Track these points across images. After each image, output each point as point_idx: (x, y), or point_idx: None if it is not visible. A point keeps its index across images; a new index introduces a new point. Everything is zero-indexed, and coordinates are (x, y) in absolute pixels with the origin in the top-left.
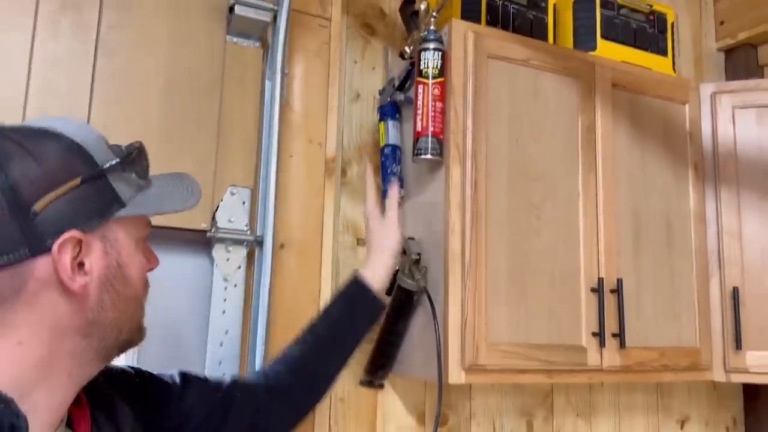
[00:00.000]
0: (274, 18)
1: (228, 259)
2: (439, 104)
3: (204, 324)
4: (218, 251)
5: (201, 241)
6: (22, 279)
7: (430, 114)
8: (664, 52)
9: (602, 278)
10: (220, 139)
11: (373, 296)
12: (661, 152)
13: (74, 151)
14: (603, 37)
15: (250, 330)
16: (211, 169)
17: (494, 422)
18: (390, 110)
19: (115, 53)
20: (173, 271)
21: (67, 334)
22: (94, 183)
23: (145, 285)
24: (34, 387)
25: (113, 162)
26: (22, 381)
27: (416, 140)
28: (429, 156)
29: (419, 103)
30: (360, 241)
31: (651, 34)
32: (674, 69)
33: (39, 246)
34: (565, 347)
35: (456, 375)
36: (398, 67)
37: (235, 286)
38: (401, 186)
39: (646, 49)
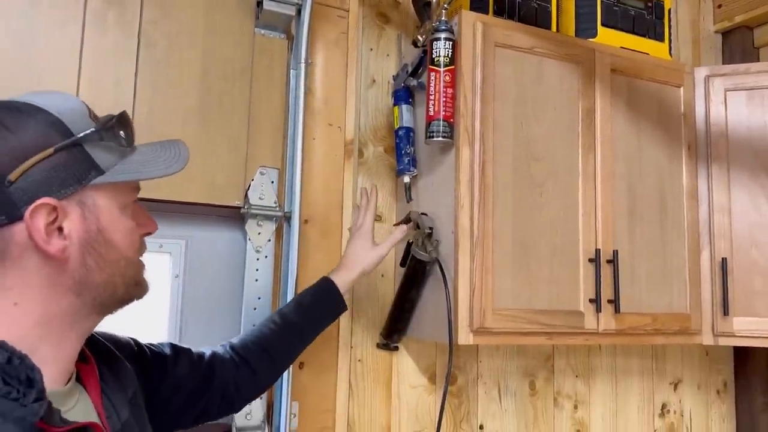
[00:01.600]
0: (298, 11)
1: (259, 233)
2: (449, 90)
3: (239, 291)
4: (250, 226)
5: (235, 217)
6: (4, 243)
7: (442, 99)
8: (661, 38)
9: (599, 249)
10: (251, 123)
11: (340, 298)
12: (656, 133)
13: (51, 123)
14: (603, 24)
15: (280, 296)
16: (243, 151)
17: (499, 382)
18: (404, 95)
19: (156, 45)
20: (211, 243)
21: (59, 294)
22: (69, 151)
23: (137, 246)
24: (40, 343)
25: (88, 131)
26: (27, 338)
27: (428, 124)
28: (440, 138)
29: (431, 89)
30: (377, 218)
31: (649, 20)
32: (671, 54)
33: (14, 213)
34: (565, 312)
35: (465, 337)
36: (411, 54)
37: (266, 257)
38: (414, 166)
39: (643, 35)
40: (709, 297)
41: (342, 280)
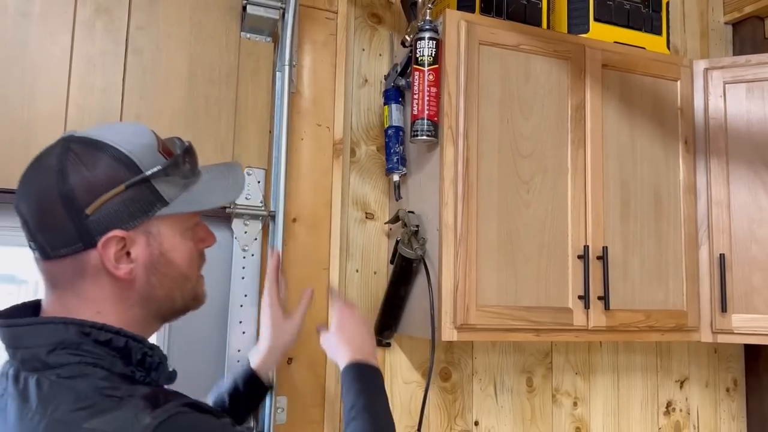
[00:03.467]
0: (283, 15)
1: (246, 232)
2: (433, 89)
3: (226, 289)
4: (237, 225)
5: (222, 216)
6: (82, 265)
7: (426, 98)
8: (658, 32)
9: (587, 246)
10: (237, 125)
11: (266, 388)
12: (650, 128)
13: (122, 160)
14: (596, 19)
15: None
16: (229, 152)
17: (495, 378)
18: (393, 94)
19: (143, 51)
20: None
21: (128, 306)
22: (137, 187)
23: (196, 263)
24: None
25: (155, 170)
26: None
27: (413, 123)
28: (424, 137)
29: (416, 88)
30: (368, 215)
31: (645, 14)
32: (669, 47)
33: (90, 241)
34: (552, 309)
35: (448, 333)
36: (401, 54)
37: (252, 255)
38: (403, 165)
39: (639, 29)
40: (708, 293)
41: (265, 363)
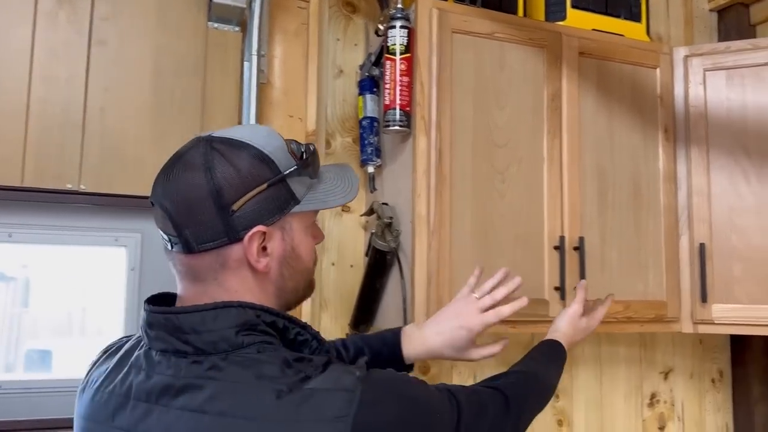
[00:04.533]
0: (251, 3)
1: None
2: (405, 78)
3: None
4: None
5: None
6: (224, 258)
7: (398, 88)
8: (637, 18)
9: (563, 237)
10: (205, 116)
11: (400, 359)
12: (629, 116)
13: (262, 159)
14: (573, 6)
15: None
16: None
17: (475, 372)
18: (368, 84)
19: (107, 43)
20: None
21: (265, 297)
22: (276, 186)
23: (314, 258)
24: None
25: (292, 168)
26: None
27: (385, 113)
28: (396, 127)
29: (387, 77)
30: (344, 208)
31: (624, 1)
32: (648, 34)
33: (235, 236)
34: (529, 300)
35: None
36: (377, 43)
37: None
38: (377, 156)
39: (618, 16)
40: (689, 284)
41: (408, 353)
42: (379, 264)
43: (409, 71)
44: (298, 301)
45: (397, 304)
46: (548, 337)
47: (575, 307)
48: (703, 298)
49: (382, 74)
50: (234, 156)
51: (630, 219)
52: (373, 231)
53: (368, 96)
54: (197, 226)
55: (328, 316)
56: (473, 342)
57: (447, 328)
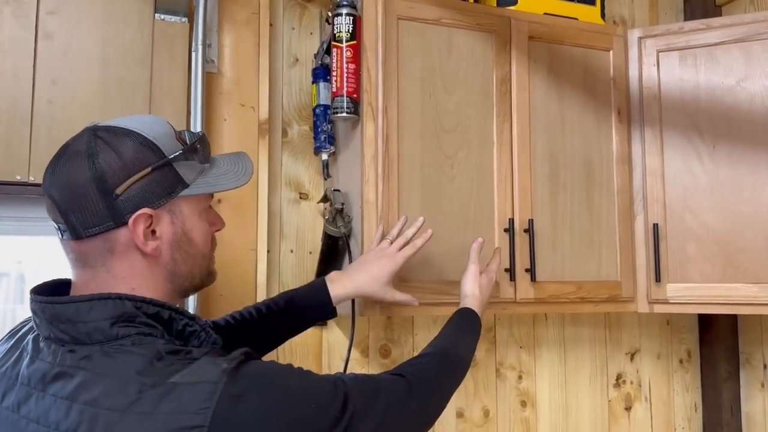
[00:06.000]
0: None
1: None
2: (352, 66)
3: None
4: None
5: None
6: (112, 243)
7: (344, 75)
8: (591, 1)
9: (512, 219)
10: (153, 108)
11: (328, 302)
12: (581, 99)
13: (146, 144)
14: None
15: None
16: None
17: None
18: (321, 72)
19: (54, 36)
20: None
21: (158, 281)
22: (162, 170)
23: (211, 243)
24: None
25: (178, 153)
26: None
27: (333, 100)
28: (344, 114)
29: (334, 65)
30: (302, 195)
31: None
32: (603, 17)
33: (120, 220)
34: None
35: (371, 309)
36: (329, 31)
37: None
38: (330, 143)
39: (571, 0)
40: (645, 264)
41: (336, 292)
42: (331, 249)
43: (356, 58)
44: (196, 287)
45: None
46: (460, 305)
47: (472, 267)
48: (657, 278)
49: (330, 61)
50: (117, 142)
51: (583, 201)
52: (326, 217)
53: (321, 84)
54: (82, 211)
55: None
56: (393, 279)
57: (371, 265)
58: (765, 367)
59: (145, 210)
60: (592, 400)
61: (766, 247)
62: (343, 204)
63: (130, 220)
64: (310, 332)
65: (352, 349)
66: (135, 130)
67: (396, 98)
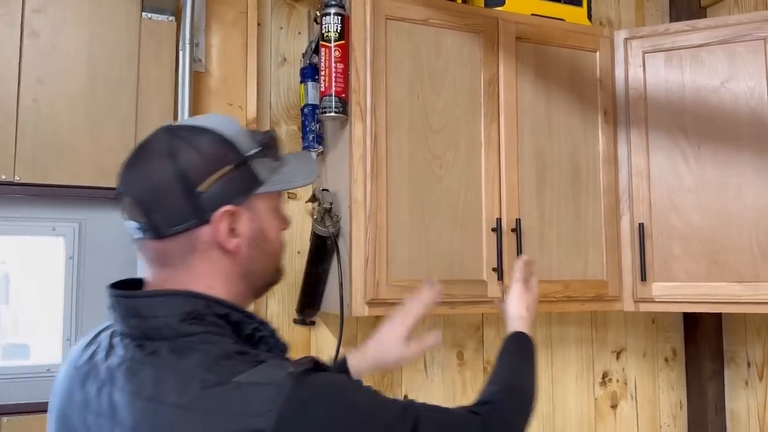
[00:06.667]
0: None
1: None
2: (340, 65)
3: (134, 272)
4: None
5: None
6: (193, 241)
7: (333, 75)
8: (578, 3)
9: (500, 218)
10: (140, 106)
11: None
12: (568, 99)
13: (224, 143)
14: None
15: None
16: (131, 133)
17: (424, 353)
18: (309, 72)
19: (40, 35)
20: (105, 226)
21: (233, 280)
22: (240, 168)
23: (281, 241)
24: None
25: (254, 150)
26: None
27: (321, 99)
28: (332, 114)
29: (322, 64)
30: (290, 195)
31: None
32: (590, 18)
33: (203, 217)
34: (467, 282)
35: (359, 308)
36: (317, 31)
37: None
38: (319, 143)
39: (558, 1)
40: (630, 263)
41: (355, 368)
42: (320, 249)
43: (344, 58)
44: (267, 286)
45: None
46: (508, 329)
47: (517, 285)
48: (643, 277)
49: (318, 61)
50: (196, 140)
51: (570, 200)
52: (314, 217)
53: (310, 83)
54: (166, 210)
55: (275, 302)
56: (407, 340)
57: (368, 365)
58: (749, 365)
59: (228, 207)
60: (579, 399)
61: (750, 246)
62: (331, 203)
63: (214, 218)
64: (299, 331)
65: (341, 348)
66: (211, 128)
67: (384, 98)
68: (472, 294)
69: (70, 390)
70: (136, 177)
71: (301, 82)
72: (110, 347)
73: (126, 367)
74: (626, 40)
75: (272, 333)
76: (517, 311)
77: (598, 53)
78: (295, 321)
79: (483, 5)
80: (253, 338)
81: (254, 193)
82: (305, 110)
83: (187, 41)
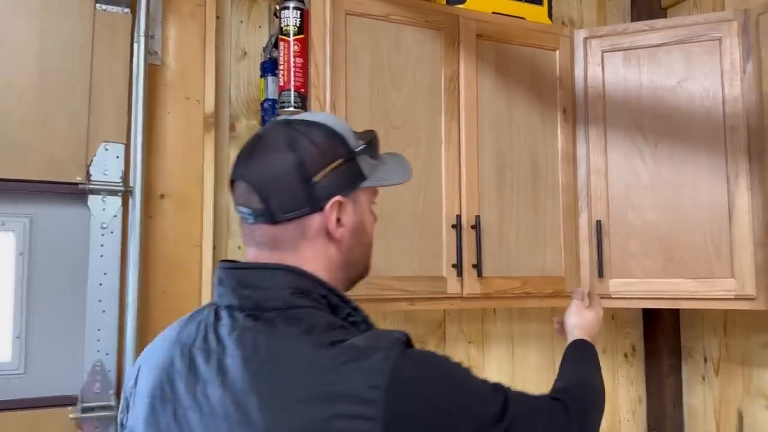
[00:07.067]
0: None
1: (104, 209)
2: (299, 60)
3: (86, 267)
4: (94, 201)
5: (80, 193)
6: (304, 228)
7: (292, 69)
8: (539, 1)
9: (460, 215)
10: (93, 99)
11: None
12: (528, 98)
13: (336, 137)
14: None
15: (126, 271)
16: (83, 126)
17: None
18: (269, 66)
19: None
20: (57, 220)
21: (335, 267)
22: (349, 162)
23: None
24: None
25: (362, 146)
26: None
27: (280, 94)
28: (291, 109)
29: (281, 59)
30: None
31: None
32: (551, 17)
33: (316, 206)
34: (426, 278)
35: None
36: (276, 25)
37: (112, 232)
38: None
39: (519, 0)
40: (588, 260)
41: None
42: None
43: (303, 52)
44: (359, 277)
45: None
46: (568, 340)
47: (575, 302)
48: (600, 273)
49: (277, 56)
50: (312, 134)
51: (529, 198)
52: None
53: (270, 78)
54: (282, 196)
55: None
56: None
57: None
58: (706, 360)
59: (339, 198)
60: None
61: (705, 243)
62: None
63: (327, 206)
64: None
65: None
66: (324, 122)
67: (344, 93)
68: (432, 290)
69: (170, 362)
70: (256, 165)
71: (261, 77)
72: (217, 319)
73: (238, 334)
74: (586, 39)
75: (365, 319)
76: (573, 322)
77: (558, 52)
78: None
79: (444, 2)
80: (346, 322)
81: (360, 187)
82: (265, 105)
83: (142, 33)
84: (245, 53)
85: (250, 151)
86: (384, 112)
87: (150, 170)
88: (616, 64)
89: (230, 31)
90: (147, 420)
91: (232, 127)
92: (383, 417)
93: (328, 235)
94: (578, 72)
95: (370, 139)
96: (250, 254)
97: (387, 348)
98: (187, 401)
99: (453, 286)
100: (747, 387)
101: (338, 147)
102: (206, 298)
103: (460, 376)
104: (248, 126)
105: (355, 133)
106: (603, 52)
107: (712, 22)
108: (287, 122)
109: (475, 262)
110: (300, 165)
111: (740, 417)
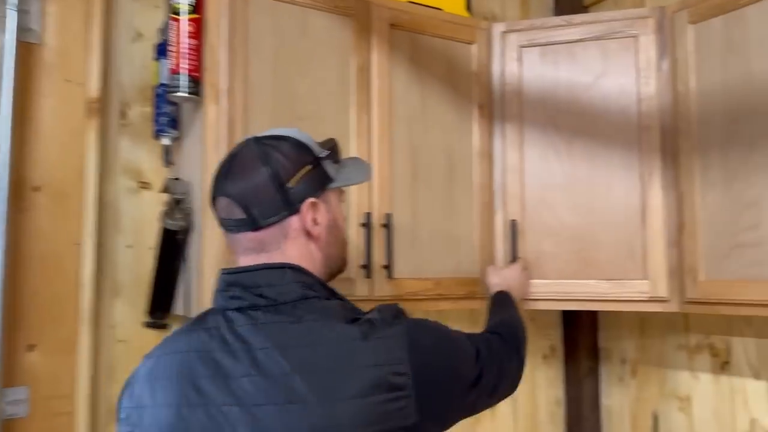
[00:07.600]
0: None
1: None
2: (193, 41)
3: None
4: None
5: None
6: (285, 229)
7: (184, 51)
8: None
9: (370, 213)
10: None
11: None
12: (443, 92)
13: (301, 146)
14: None
15: None
16: None
17: None
18: (163, 49)
19: None
20: None
21: (317, 265)
22: (316, 167)
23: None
24: None
25: (326, 152)
26: None
27: (170, 78)
28: (182, 94)
29: (172, 40)
30: (143, 185)
31: None
32: (469, 9)
33: (292, 208)
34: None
35: None
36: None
37: None
38: (173, 127)
39: None
40: (503, 261)
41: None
42: (169, 245)
43: (198, 34)
44: (338, 270)
45: (195, 286)
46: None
47: (490, 267)
48: None
49: (168, 36)
50: (280, 146)
51: (443, 196)
52: (164, 209)
53: (163, 61)
54: (262, 204)
55: (122, 303)
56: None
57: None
58: (623, 362)
59: (311, 199)
60: None
61: (617, 243)
62: (184, 194)
63: (303, 207)
64: (148, 336)
65: None
66: (290, 135)
67: (243, 79)
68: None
69: (189, 369)
70: (234, 181)
71: (154, 59)
72: (229, 322)
73: (261, 329)
74: (503, 33)
75: (352, 307)
76: (492, 280)
77: (474, 46)
78: (146, 324)
79: None
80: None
81: (328, 188)
82: (158, 90)
83: (13, 6)
84: (140, 34)
85: (227, 170)
86: (289, 101)
87: (22, 160)
88: (533, 59)
89: (123, 10)
90: (173, 426)
91: (123, 114)
92: (412, 370)
93: (308, 234)
94: (495, 67)
95: (332, 146)
96: (241, 260)
97: (398, 322)
98: (220, 399)
99: (361, 289)
100: (662, 388)
101: (305, 155)
102: (86, 300)
103: (447, 330)
104: (141, 113)
105: (317, 142)
106: (520, 47)
107: (629, 18)
108: (257, 139)
109: (385, 262)
110: (274, 175)
111: (655, 419)
